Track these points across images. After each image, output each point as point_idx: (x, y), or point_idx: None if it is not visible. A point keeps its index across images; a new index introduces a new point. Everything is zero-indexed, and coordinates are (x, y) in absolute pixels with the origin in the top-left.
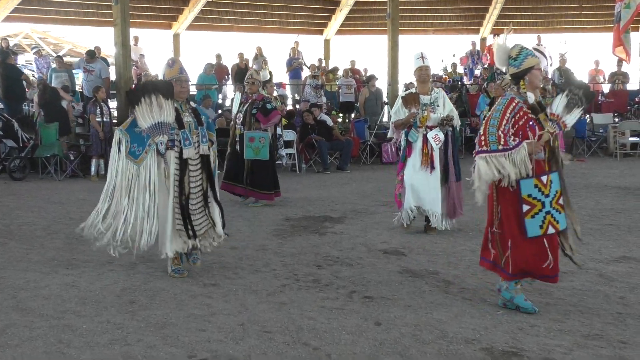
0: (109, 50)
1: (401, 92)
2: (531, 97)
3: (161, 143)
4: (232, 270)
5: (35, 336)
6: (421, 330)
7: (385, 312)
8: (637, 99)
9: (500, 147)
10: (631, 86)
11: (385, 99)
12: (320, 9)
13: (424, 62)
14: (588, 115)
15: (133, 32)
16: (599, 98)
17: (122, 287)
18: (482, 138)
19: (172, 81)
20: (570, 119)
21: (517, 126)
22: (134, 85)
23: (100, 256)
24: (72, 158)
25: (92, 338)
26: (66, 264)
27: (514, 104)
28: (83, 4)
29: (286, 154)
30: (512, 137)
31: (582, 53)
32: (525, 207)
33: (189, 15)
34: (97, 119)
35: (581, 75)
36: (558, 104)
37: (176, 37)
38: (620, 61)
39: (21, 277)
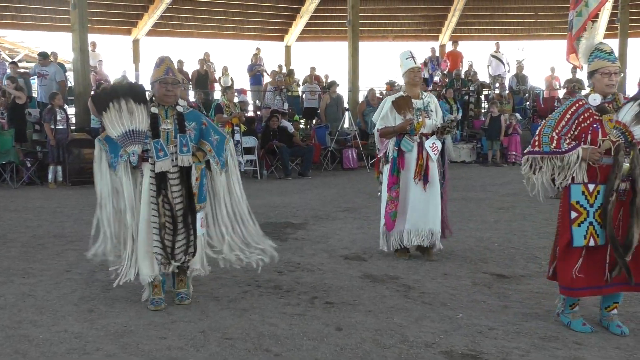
0: (66, 55)
1: (391, 96)
2: (594, 100)
3: (133, 153)
4: (192, 277)
5: None
6: (382, 334)
7: (347, 318)
8: None
9: (551, 149)
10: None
11: (346, 105)
12: (281, 15)
13: (415, 63)
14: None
15: (91, 37)
16: (555, 104)
17: (80, 296)
18: (537, 138)
19: (156, 83)
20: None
21: (579, 128)
22: (94, 90)
23: (58, 265)
24: (28, 165)
25: (49, 348)
26: (22, 272)
27: (577, 105)
28: (40, 9)
29: (247, 161)
30: (568, 141)
31: (538, 60)
32: (573, 214)
33: (148, 20)
34: (52, 127)
35: (538, 81)
36: (626, 113)
37: (136, 42)
38: (574, 68)
39: None
